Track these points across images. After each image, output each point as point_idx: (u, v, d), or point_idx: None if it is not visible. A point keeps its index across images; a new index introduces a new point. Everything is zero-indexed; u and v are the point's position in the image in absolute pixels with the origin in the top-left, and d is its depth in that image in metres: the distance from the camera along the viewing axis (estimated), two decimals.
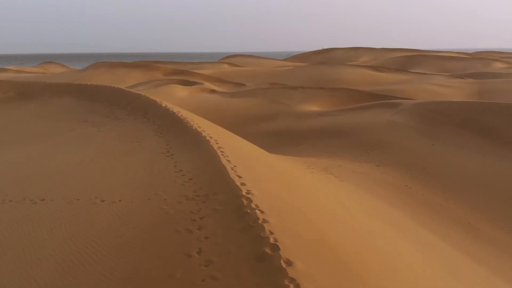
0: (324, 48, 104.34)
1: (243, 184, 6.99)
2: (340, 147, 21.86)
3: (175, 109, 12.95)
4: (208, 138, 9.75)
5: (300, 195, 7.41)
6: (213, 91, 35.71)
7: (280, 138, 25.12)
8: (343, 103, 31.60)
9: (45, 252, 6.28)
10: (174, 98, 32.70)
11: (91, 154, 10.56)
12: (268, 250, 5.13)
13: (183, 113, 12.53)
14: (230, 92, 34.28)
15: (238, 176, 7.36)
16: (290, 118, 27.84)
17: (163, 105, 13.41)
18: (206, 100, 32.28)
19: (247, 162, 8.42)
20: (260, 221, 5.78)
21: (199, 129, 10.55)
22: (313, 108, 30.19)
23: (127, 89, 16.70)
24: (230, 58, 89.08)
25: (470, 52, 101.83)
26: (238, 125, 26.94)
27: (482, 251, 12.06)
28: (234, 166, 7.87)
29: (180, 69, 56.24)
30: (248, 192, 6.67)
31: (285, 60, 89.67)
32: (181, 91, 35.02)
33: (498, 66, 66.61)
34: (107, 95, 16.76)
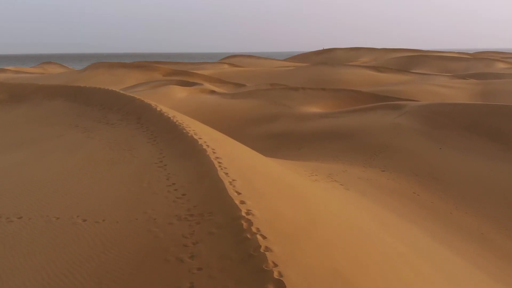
0: (324, 48, 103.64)
1: (242, 202, 6.20)
2: (343, 151, 21.09)
3: (171, 113, 12.16)
4: (204, 146, 8.96)
5: (306, 213, 6.62)
6: (212, 92, 34.96)
7: (281, 140, 24.37)
8: (345, 105, 30.84)
9: (15, 283, 5.50)
10: (173, 99, 31.97)
11: (78, 163, 9.76)
12: None
13: (179, 118, 11.75)
14: (230, 93, 33.51)
15: (236, 192, 6.57)
16: (291, 120, 27.06)
17: (158, 109, 12.61)
18: (206, 101, 31.52)
19: (247, 174, 7.63)
20: (262, 249, 5.00)
21: (195, 136, 9.76)
22: (315, 109, 29.40)
23: (121, 92, 15.91)
24: (230, 59, 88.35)
25: (470, 52, 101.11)
26: (238, 127, 26.17)
27: (497, 266, 11.29)
28: (233, 180, 7.07)
29: (179, 69, 55.44)
30: (248, 212, 5.89)
31: (285, 60, 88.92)
32: (180, 92, 34.26)
33: (500, 66, 65.89)
34: (100, 98, 15.98)
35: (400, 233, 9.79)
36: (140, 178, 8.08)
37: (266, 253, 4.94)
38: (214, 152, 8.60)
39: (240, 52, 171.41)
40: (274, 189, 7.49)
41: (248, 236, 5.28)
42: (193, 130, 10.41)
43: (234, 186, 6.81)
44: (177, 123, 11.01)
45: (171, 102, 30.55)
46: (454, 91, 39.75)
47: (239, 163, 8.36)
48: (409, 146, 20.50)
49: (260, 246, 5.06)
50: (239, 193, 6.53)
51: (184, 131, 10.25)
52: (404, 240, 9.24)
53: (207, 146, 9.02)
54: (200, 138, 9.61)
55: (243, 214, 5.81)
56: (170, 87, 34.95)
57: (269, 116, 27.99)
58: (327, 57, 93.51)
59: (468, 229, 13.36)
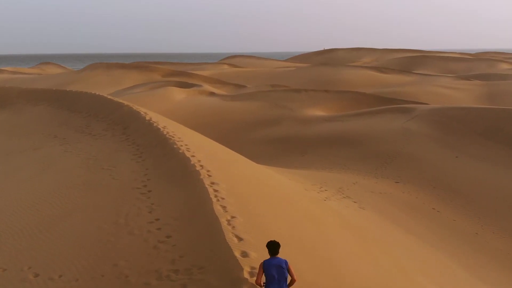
0: (325, 48, 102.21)
1: (244, 254, 4.65)
2: (351, 158, 19.53)
3: (161, 123, 10.59)
4: (198, 167, 7.41)
5: (328, 269, 5.06)
6: (212, 93, 33.42)
7: (284, 145, 22.80)
8: (350, 107, 29.29)
9: None
10: (171, 101, 30.49)
11: (47, 187, 8.20)
12: None
13: (171, 129, 10.19)
14: (230, 95, 31.98)
15: (237, 237, 5.02)
16: (294, 123, 25.47)
17: (147, 118, 11.05)
18: (205, 103, 30.00)
19: (250, 206, 6.09)
20: None
21: (187, 153, 8.22)
22: (319, 112, 27.83)
23: (108, 97, 14.36)
24: (230, 59, 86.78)
25: (470, 52, 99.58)
26: (238, 131, 24.68)
27: None
28: (232, 217, 5.52)
29: (179, 70, 53.87)
30: (252, 272, 4.34)
31: (286, 60, 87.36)
32: (178, 94, 32.73)
33: (503, 67, 64.35)
34: (86, 103, 14.46)
35: (431, 268, 8.26)
36: (116, 210, 6.52)
37: None
38: (209, 175, 7.05)
39: (240, 52, 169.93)
40: (283, 229, 5.93)
41: None
42: (186, 144, 8.86)
43: (233, 227, 5.26)
44: (167, 135, 9.46)
45: (169, 104, 29.10)
46: (459, 93, 38.36)
47: (239, 190, 6.82)
48: (422, 154, 18.94)
49: None
50: (240, 239, 4.98)
51: (175, 146, 8.71)
52: (437, 276, 7.73)
53: (201, 166, 7.47)
54: (193, 156, 8.06)
55: (246, 275, 4.26)
56: (168, 89, 33.42)
57: (270, 119, 26.44)
58: (328, 57, 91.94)
59: (498, 254, 11.80)
